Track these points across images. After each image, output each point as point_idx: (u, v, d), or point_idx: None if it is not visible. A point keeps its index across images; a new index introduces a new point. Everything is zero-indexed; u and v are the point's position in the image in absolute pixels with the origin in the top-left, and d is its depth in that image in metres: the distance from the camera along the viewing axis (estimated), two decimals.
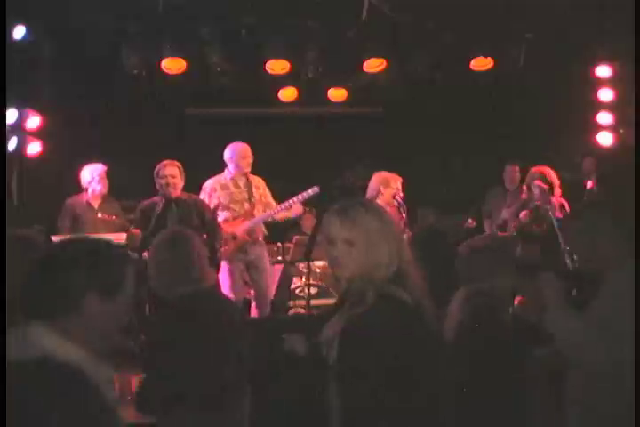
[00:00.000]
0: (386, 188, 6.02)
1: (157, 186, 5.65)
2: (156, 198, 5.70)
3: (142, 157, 6.19)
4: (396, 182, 6.06)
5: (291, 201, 6.07)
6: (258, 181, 6.30)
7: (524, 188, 6.20)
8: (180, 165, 5.68)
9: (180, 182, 5.64)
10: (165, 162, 5.69)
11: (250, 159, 6.18)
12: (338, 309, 2.31)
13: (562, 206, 5.89)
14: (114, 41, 6.63)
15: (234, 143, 6.21)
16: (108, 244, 1.82)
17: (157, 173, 5.63)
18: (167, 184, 5.56)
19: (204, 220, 5.61)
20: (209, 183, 6.17)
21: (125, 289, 1.75)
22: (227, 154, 6.17)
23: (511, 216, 6.16)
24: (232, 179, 6.20)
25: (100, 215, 5.77)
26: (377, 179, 6.09)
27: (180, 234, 3.22)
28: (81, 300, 1.67)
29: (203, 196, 6.11)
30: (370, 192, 6.06)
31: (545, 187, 5.87)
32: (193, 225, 5.31)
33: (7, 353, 1.57)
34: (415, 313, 2.11)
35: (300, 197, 6.07)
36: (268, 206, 6.20)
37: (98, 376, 1.64)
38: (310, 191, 6.04)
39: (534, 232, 5.81)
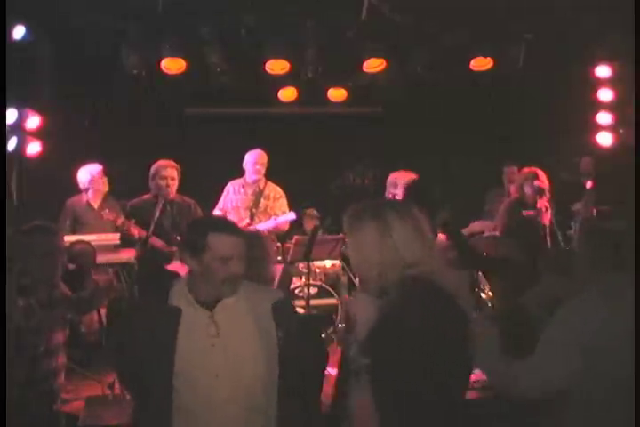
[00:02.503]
0: (395, 189, 6.03)
1: (154, 186, 5.64)
2: (145, 197, 5.71)
3: (142, 156, 6.19)
4: (405, 181, 6.02)
5: (267, 223, 6.15)
6: (271, 191, 6.35)
7: (512, 187, 6.17)
8: (178, 167, 5.69)
9: (176, 184, 5.65)
10: (163, 163, 5.68)
11: (260, 166, 6.26)
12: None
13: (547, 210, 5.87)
14: (114, 41, 6.62)
15: (251, 150, 6.32)
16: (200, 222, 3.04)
17: (157, 173, 5.62)
18: (167, 186, 5.57)
19: None
20: (227, 185, 6.32)
21: (207, 254, 2.44)
22: (245, 159, 6.30)
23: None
24: (243, 185, 6.30)
25: (106, 212, 5.68)
26: (388, 181, 6.10)
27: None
28: (184, 258, 2.52)
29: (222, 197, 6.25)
30: (386, 195, 6.12)
31: (545, 187, 5.86)
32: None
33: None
34: (441, 290, 2.15)
35: (275, 220, 6.15)
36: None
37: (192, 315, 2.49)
38: (284, 217, 6.16)
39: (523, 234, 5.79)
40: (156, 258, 5.27)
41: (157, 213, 5.40)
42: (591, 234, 2.91)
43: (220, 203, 6.32)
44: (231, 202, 6.27)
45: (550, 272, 3.45)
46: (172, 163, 5.69)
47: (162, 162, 5.70)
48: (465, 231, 6.02)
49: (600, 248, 2.72)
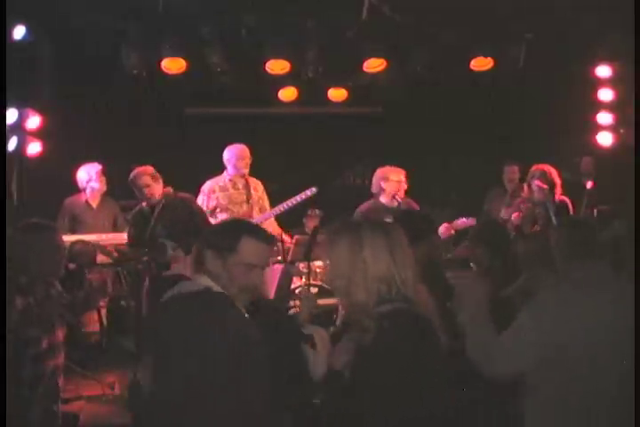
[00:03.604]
0: (386, 182, 6.04)
1: (136, 193, 5.55)
2: (143, 204, 5.64)
3: (142, 156, 6.18)
4: (397, 175, 6.05)
5: (288, 202, 6.09)
6: (256, 184, 6.32)
7: (525, 186, 6.20)
8: (152, 172, 5.53)
9: (156, 187, 5.47)
10: (135, 172, 5.52)
11: (248, 160, 6.20)
12: (344, 330, 2.43)
13: (564, 205, 5.90)
14: (114, 41, 6.63)
15: (232, 145, 6.24)
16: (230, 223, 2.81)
17: (133, 184, 5.47)
18: (144, 193, 5.47)
19: (194, 217, 5.54)
20: (207, 185, 6.19)
21: (234, 257, 2.38)
22: (225, 155, 6.20)
23: (510, 215, 6.17)
24: (230, 180, 6.22)
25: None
26: (377, 175, 6.12)
27: None
28: (205, 256, 2.42)
29: (201, 197, 6.12)
30: (373, 189, 6.11)
31: (544, 187, 5.87)
32: (185, 223, 5.29)
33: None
34: (418, 322, 2.18)
35: (297, 198, 6.08)
36: (263, 209, 6.24)
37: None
38: (308, 192, 6.04)
39: (530, 232, 5.82)
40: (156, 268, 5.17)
41: (149, 219, 5.32)
42: (565, 225, 2.99)
43: (204, 203, 6.10)
44: (223, 199, 6.18)
45: (532, 265, 3.48)
46: (147, 168, 5.55)
47: (135, 171, 5.55)
48: (451, 226, 6.18)
49: (574, 238, 2.78)
